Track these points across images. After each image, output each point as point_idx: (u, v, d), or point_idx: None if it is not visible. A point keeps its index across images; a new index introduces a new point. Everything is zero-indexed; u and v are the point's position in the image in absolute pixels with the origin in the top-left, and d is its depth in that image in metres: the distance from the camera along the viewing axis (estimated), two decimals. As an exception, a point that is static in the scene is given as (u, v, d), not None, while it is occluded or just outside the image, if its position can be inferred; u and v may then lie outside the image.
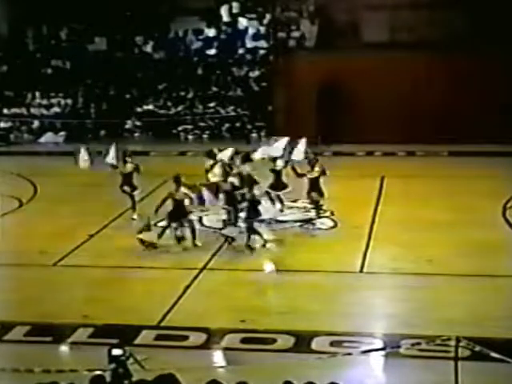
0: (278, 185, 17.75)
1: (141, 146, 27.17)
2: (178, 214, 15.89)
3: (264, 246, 15.80)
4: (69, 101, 29.27)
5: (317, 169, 16.99)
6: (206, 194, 16.31)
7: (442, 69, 24.79)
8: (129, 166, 17.90)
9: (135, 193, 17.92)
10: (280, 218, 17.60)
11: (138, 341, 11.70)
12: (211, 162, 17.78)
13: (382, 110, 24.68)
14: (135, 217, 17.66)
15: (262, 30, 28.92)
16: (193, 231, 15.98)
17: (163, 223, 16.27)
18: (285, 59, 26.22)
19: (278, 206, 17.92)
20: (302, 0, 26.67)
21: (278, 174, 17.76)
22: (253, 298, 13.40)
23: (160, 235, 15.92)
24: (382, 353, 11.19)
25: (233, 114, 27.89)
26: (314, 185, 17.02)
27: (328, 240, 16.48)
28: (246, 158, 17.96)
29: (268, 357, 11.13)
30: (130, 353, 9.70)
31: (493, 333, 11.46)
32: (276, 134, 25.56)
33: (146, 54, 29.84)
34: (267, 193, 17.87)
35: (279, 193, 17.83)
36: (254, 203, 15.91)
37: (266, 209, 17.51)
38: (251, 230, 15.82)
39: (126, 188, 17.79)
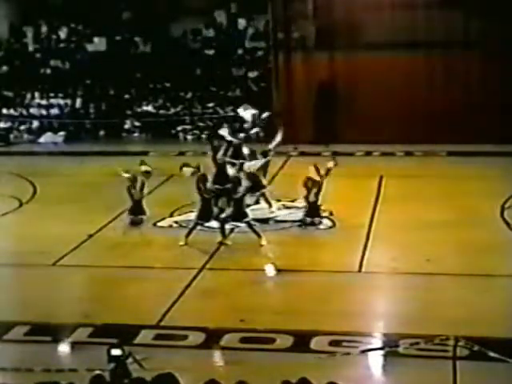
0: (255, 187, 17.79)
1: (140, 146, 27.28)
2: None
3: (261, 245, 15.85)
4: (68, 101, 29.28)
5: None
6: None
7: (442, 68, 24.80)
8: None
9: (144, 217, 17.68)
10: (279, 218, 17.64)
11: (137, 340, 11.72)
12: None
13: (381, 110, 24.67)
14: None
15: (261, 30, 28.93)
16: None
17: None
18: (284, 59, 26.23)
19: (274, 207, 17.98)
20: (301, 0, 26.65)
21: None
22: (252, 298, 13.43)
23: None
24: (381, 352, 11.23)
25: (232, 114, 27.88)
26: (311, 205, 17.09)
27: (326, 240, 16.51)
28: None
29: (267, 356, 11.17)
30: (129, 352, 9.76)
31: (491, 332, 11.48)
32: (275, 134, 25.81)
33: (146, 54, 29.84)
34: (263, 195, 17.94)
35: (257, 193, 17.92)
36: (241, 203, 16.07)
37: (262, 210, 17.64)
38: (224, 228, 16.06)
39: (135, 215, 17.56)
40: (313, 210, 17.01)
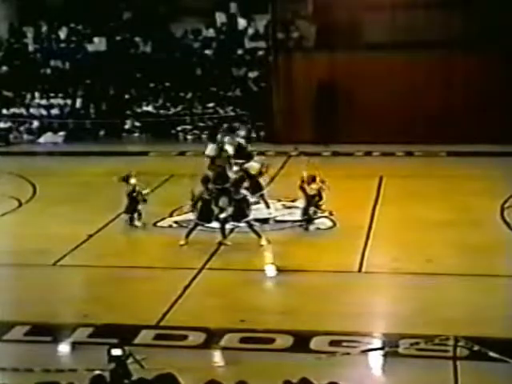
0: (254, 188, 17.79)
1: (140, 146, 27.31)
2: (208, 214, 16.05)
3: (261, 245, 15.85)
4: (68, 101, 29.28)
5: (314, 186, 17.02)
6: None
7: (442, 69, 24.81)
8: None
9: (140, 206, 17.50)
10: (279, 218, 17.65)
11: (137, 340, 11.72)
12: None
13: (381, 110, 24.69)
14: (139, 224, 17.41)
15: (261, 30, 28.93)
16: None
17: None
18: (284, 59, 26.24)
19: (273, 208, 18.01)
20: (301, 0, 26.67)
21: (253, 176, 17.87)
22: (252, 298, 13.44)
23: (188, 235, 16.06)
24: (381, 352, 11.23)
25: (232, 114, 27.90)
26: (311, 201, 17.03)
27: (327, 240, 16.50)
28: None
29: (267, 356, 11.17)
30: (129, 352, 9.75)
31: (491, 332, 11.49)
32: (275, 134, 25.89)
33: (146, 54, 29.85)
34: (261, 196, 17.96)
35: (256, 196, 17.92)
36: (242, 203, 16.05)
37: (261, 210, 17.67)
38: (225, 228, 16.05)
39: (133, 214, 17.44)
40: (311, 205, 16.98)
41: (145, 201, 17.44)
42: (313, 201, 16.98)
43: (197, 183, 16.49)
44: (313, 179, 17.04)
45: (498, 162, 22.16)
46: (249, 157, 18.86)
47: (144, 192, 17.47)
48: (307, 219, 16.98)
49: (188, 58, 29.22)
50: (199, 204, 16.12)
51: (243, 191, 16.43)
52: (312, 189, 17.01)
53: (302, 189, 17.11)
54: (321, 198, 17.10)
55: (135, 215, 17.39)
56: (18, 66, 30.10)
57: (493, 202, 18.17)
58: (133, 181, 17.45)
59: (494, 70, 24.45)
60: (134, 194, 17.46)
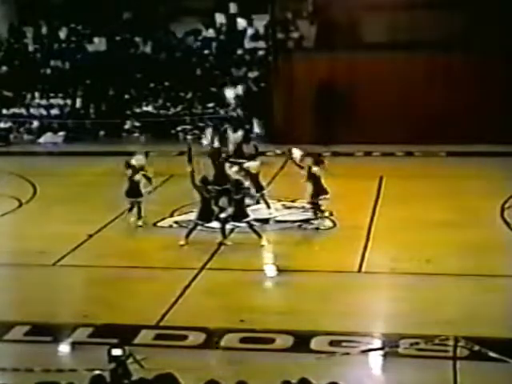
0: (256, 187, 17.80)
1: (140, 146, 27.26)
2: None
3: (262, 245, 15.84)
4: (68, 101, 29.27)
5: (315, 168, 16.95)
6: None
7: (442, 69, 24.81)
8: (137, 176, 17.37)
9: (141, 199, 17.39)
10: (279, 218, 17.65)
11: (137, 340, 11.72)
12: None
13: (381, 111, 24.68)
14: (140, 223, 17.35)
15: (261, 30, 28.93)
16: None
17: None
18: (283, 60, 26.25)
19: (273, 209, 18.03)
20: (300, 0, 26.67)
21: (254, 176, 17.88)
22: (252, 298, 13.45)
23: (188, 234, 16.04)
24: (381, 352, 11.23)
25: (231, 114, 27.89)
26: (318, 184, 16.91)
27: (327, 240, 16.51)
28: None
29: (267, 356, 11.17)
30: (129, 352, 9.75)
31: (491, 332, 11.49)
32: (275, 134, 25.89)
33: (146, 54, 29.85)
34: (262, 195, 17.97)
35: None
36: (242, 203, 16.03)
37: (261, 210, 17.66)
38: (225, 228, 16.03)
39: (132, 197, 17.30)
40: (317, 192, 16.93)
41: (149, 179, 17.38)
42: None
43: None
44: (319, 162, 16.95)
45: (498, 162, 22.16)
46: (249, 157, 18.87)
47: (149, 176, 17.49)
48: (310, 219, 16.98)
49: (188, 57, 29.23)
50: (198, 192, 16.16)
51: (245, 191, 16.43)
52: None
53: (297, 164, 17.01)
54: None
55: (135, 207, 17.34)
56: (18, 66, 30.10)
57: (493, 202, 18.17)
58: (133, 162, 17.38)
59: (494, 70, 24.45)
60: (136, 179, 17.26)
